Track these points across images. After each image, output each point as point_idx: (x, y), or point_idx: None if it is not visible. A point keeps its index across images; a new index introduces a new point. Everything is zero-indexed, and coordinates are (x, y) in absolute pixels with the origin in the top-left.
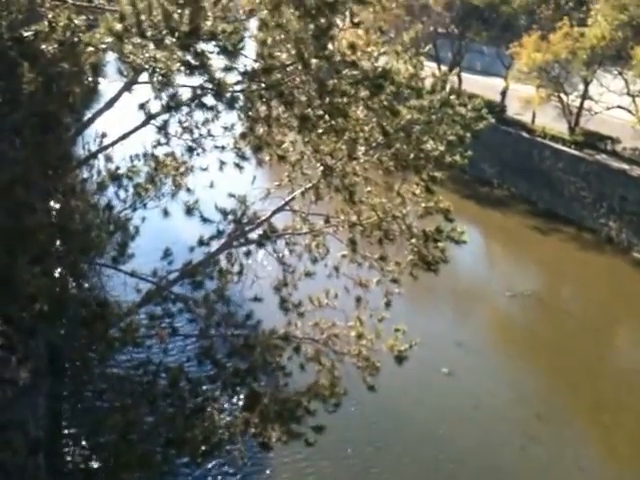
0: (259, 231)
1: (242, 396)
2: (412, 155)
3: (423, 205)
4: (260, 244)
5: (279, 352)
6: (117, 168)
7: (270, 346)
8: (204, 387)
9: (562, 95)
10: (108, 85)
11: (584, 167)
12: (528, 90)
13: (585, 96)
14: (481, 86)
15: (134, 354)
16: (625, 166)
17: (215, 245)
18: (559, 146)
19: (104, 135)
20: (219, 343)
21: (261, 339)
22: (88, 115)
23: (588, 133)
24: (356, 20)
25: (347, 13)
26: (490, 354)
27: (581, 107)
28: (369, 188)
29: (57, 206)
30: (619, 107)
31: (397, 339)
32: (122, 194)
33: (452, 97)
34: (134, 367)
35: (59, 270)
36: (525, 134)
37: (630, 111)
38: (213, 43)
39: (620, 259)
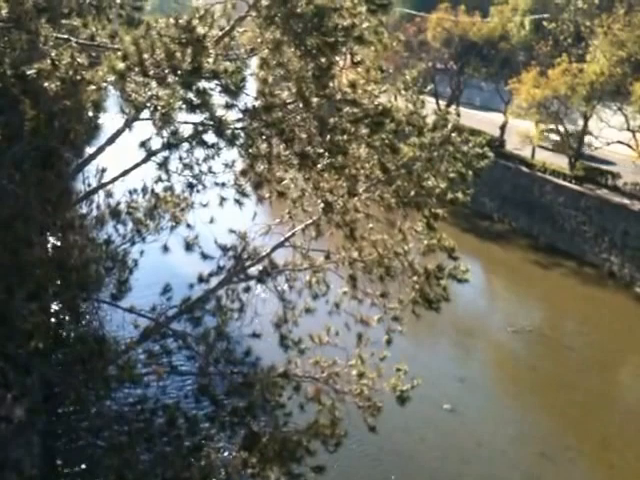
0: (259, 267)
1: (241, 435)
2: (413, 192)
3: (425, 242)
4: (260, 280)
5: (279, 390)
6: (117, 203)
7: (269, 384)
8: (202, 426)
9: (562, 130)
10: (109, 121)
11: (585, 202)
12: (527, 125)
13: (585, 131)
14: (480, 121)
15: (131, 391)
16: (626, 201)
17: (215, 281)
18: (559, 181)
19: (104, 170)
20: (217, 381)
21: (260, 377)
22: (89, 151)
23: (588, 168)
24: (356, 59)
25: (347, 52)
26: (493, 390)
27: (581, 142)
28: (370, 224)
29: (55, 241)
30: (619, 142)
31: (399, 378)
32: (121, 229)
33: (453, 134)
34: (131, 405)
35: (56, 306)
36: (525, 168)
37: (630, 146)
38: (215, 82)
39: (622, 294)
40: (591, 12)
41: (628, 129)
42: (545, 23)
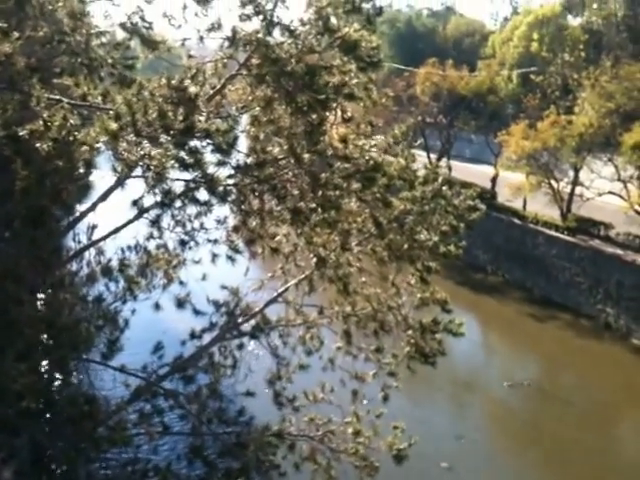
0: (252, 323)
1: None
2: (406, 245)
3: (419, 295)
4: (253, 336)
5: (273, 450)
6: (109, 261)
7: (263, 444)
8: None
9: (552, 182)
10: (101, 179)
11: (578, 253)
12: (518, 177)
13: (576, 182)
14: (471, 173)
15: (122, 453)
16: (619, 251)
17: (207, 338)
18: (552, 232)
19: (95, 227)
20: (210, 441)
21: (254, 437)
22: (80, 209)
23: (581, 219)
24: (347, 115)
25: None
26: (491, 447)
27: (572, 193)
28: (363, 278)
29: (46, 299)
30: (610, 193)
31: (396, 437)
32: (113, 287)
33: (445, 188)
34: (121, 466)
35: (46, 365)
36: (517, 220)
37: (622, 197)
38: (207, 140)
39: (619, 346)
40: (578, 65)
41: (619, 179)
42: (532, 76)
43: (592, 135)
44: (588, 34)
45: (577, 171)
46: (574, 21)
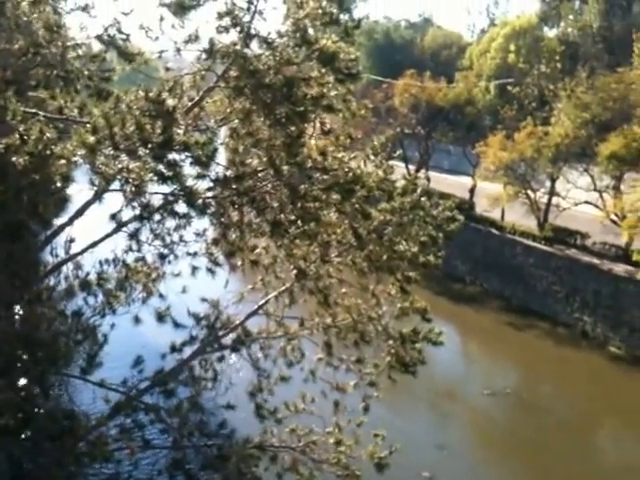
0: (233, 336)
1: None
2: (385, 256)
3: (399, 305)
4: (234, 349)
5: (255, 462)
6: (87, 275)
7: (245, 456)
8: None
9: (530, 192)
10: (78, 193)
11: (555, 262)
12: (496, 188)
13: (552, 193)
14: (449, 184)
15: (103, 468)
16: (596, 260)
17: (188, 351)
18: (529, 242)
19: (73, 241)
20: (192, 454)
21: (236, 449)
22: (58, 223)
23: (557, 229)
24: (326, 127)
25: (316, 120)
26: (471, 456)
27: (549, 203)
28: (344, 290)
29: (23, 314)
30: (587, 202)
31: (377, 445)
32: (91, 301)
33: (423, 199)
34: None
35: (25, 381)
36: (495, 231)
37: (598, 206)
38: (186, 153)
39: (597, 354)
40: (554, 76)
41: (595, 189)
42: (509, 87)
43: (568, 145)
44: (564, 45)
45: (554, 181)
46: (550, 32)
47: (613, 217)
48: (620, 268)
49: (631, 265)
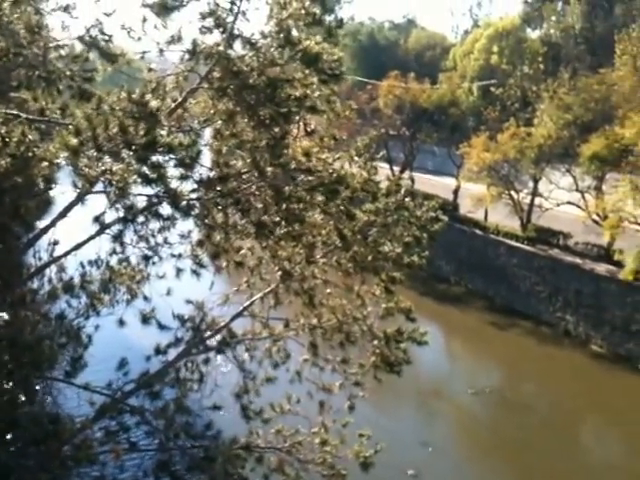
0: (218, 337)
1: None
2: (370, 257)
3: (384, 306)
4: (220, 350)
5: (241, 463)
6: (70, 277)
7: (231, 457)
8: None
9: (513, 193)
10: (61, 194)
11: (538, 262)
12: (479, 188)
13: (535, 193)
14: (434, 185)
15: (89, 471)
16: (578, 260)
17: (173, 353)
18: (513, 242)
19: (56, 243)
20: (178, 456)
21: (222, 450)
22: (40, 225)
23: (540, 229)
24: (310, 128)
25: (300, 121)
26: (455, 454)
27: (532, 204)
28: (328, 290)
29: (7, 317)
30: (569, 203)
31: (362, 445)
32: (75, 303)
33: (407, 199)
34: None
35: (9, 385)
36: (479, 231)
37: (580, 207)
38: (170, 155)
39: (579, 352)
40: (537, 77)
41: (577, 190)
42: (493, 89)
43: (551, 146)
44: (547, 46)
45: (536, 182)
46: (533, 34)
47: (595, 217)
48: (602, 268)
49: (612, 265)
